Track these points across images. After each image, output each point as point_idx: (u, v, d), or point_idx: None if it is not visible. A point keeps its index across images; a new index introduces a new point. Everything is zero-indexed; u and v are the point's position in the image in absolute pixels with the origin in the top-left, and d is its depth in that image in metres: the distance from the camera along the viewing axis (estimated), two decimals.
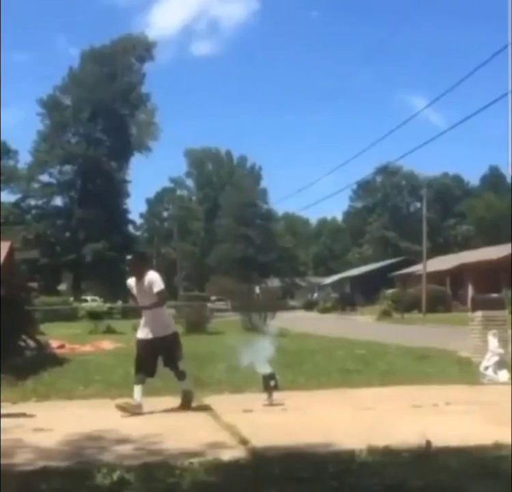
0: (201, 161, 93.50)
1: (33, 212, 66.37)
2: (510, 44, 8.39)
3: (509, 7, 8.20)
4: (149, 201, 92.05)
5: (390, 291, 46.74)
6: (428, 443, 4.80)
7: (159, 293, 7.03)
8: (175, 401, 7.47)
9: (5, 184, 66.56)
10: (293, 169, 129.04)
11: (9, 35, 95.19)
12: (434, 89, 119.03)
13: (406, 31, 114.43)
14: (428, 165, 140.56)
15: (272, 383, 7.16)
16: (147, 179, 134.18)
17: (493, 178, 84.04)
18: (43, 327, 15.98)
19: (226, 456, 4.63)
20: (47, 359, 12.00)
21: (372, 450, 4.67)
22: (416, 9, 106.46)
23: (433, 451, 4.70)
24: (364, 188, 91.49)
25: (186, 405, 6.96)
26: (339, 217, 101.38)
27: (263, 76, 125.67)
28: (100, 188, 62.45)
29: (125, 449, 5.06)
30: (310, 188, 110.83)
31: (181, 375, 7.08)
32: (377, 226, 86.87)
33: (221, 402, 7.24)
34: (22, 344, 12.37)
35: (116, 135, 64.45)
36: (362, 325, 32.91)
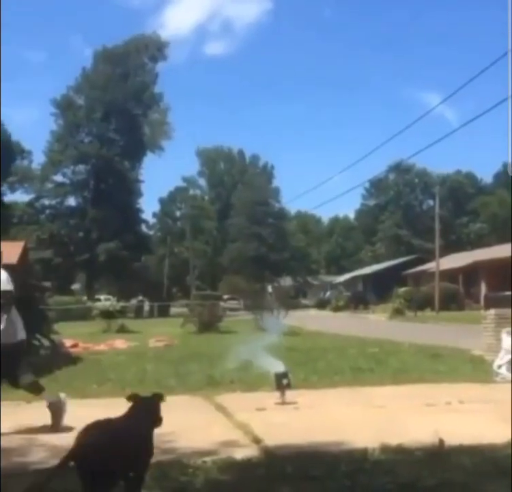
0: (213, 160, 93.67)
1: (47, 212, 66.82)
2: (510, 49, 8.34)
3: (509, 8, 8.15)
4: (162, 201, 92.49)
5: (402, 289, 46.65)
6: (441, 441, 4.79)
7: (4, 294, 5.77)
8: (190, 400, 7.50)
9: (19, 184, 67.03)
10: (305, 168, 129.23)
11: (25, 35, 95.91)
12: (447, 85, 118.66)
13: (420, 27, 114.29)
14: (441, 162, 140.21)
15: (285, 381, 7.17)
16: (160, 178, 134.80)
17: (506, 175, 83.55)
18: (57, 326, 16.06)
19: (239, 454, 4.64)
20: (61, 358, 12.08)
21: (385, 449, 4.67)
22: (430, 3, 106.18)
23: (446, 449, 4.69)
24: (376, 186, 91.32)
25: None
26: (351, 215, 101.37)
27: (275, 75, 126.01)
28: (113, 188, 62.71)
29: None
30: (322, 186, 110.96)
31: (32, 389, 5.95)
32: (390, 224, 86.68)
33: (234, 400, 7.24)
34: (37, 343, 12.45)
35: (129, 135, 64.69)
36: (374, 323, 32.85)
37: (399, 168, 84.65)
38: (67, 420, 6.03)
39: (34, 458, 4.75)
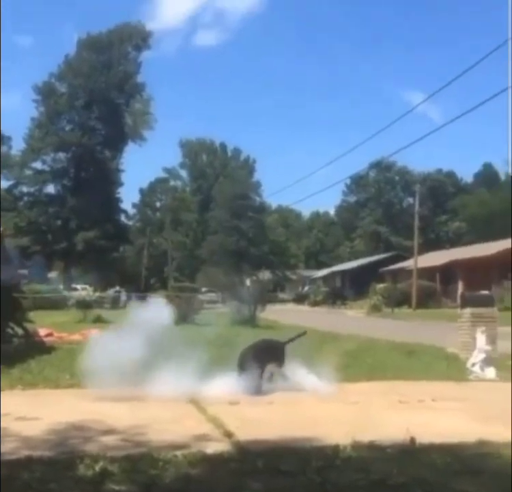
0: (195, 152, 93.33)
1: (25, 199, 66.07)
2: (510, 40, 8.35)
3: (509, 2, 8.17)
4: (142, 191, 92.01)
5: (380, 286, 46.90)
6: (412, 439, 4.80)
7: None
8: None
9: None
10: (287, 163, 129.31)
11: (10, 19, 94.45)
12: (430, 84, 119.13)
13: (403, 24, 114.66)
14: (422, 161, 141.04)
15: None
16: (141, 169, 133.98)
17: (486, 175, 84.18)
18: (32, 315, 15.89)
19: (211, 448, 4.61)
20: (34, 347, 11.94)
21: (356, 445, 4.66)
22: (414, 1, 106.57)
23: (417, 447, 4.71)
24: (357, 182, 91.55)
25: None
26: (332, 211, 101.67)
27: (261, 68, 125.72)
28: (93, 177, 62.23)
29: (110, 439, 5.04)
30: (303, 181, 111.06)
31: None
32: (370, 221, 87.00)
33: (206, 393, 7.20)
34: (10, 331, 12.31)
35: (111, 124, 64.20)
36: (351, 319, 32.99)
37: (380, 165, 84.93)
38: (36, 412, 5.97)
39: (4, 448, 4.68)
